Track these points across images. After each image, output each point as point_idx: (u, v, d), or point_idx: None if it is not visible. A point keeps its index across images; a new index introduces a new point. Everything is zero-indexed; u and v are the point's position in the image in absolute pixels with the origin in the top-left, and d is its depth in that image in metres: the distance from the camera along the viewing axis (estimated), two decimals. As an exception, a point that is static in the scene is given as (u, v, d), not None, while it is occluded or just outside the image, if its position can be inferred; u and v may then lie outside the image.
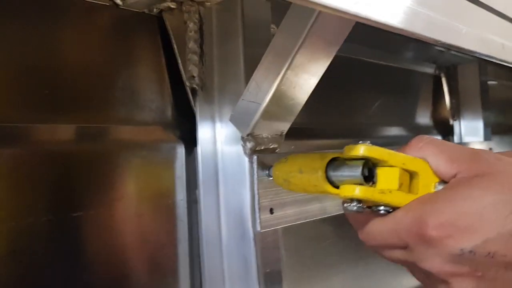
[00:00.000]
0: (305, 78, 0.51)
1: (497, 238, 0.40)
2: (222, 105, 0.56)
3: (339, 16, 0.49)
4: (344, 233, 0.77)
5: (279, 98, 0.51)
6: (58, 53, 0.47)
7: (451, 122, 1.13)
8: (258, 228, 0.52)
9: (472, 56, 1.16)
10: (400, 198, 0.47)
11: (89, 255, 0.48)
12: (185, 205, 0.55)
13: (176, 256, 0.55)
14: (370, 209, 0.46)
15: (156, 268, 0.53)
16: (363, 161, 0.46)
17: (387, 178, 0.46)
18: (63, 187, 0.46)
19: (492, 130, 1.17)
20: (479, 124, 1.14)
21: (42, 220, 0.44)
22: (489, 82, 1.20)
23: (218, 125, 0.56)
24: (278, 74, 0.49)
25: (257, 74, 0.51)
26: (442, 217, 0.42)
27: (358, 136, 0.90)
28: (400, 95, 1.02)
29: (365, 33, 0.90)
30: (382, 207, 0.47)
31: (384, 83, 0.98)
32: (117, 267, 0.50)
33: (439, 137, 1.13)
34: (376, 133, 0.95)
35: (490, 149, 1.09)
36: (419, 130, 1.07)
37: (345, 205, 0.46)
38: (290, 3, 0.57)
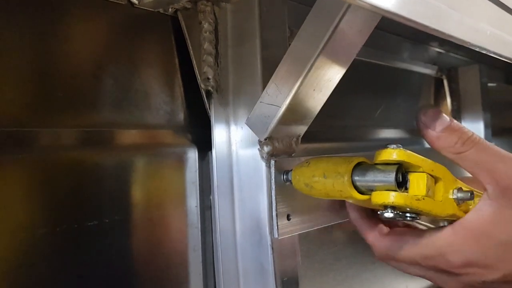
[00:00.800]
0: (324, 80, 0.50)
1: None
2: (237, 108, 0.54)
3: (361, 17, 0.47)
4: (352, 238, 0.76)
5: (298, 101, 0.49)
6: (70, 53, 0.45)
7: (452, 124, 1.13)
8: (276, 235, 0.50)
9: (473, 58, 1.15)
10: (430, 205, 0.46)
11: (101, 264, 0.46)
12: (199, 211, 0.54)
13: (189, 263, 0.53)
14: (397, 215, 0.45)
15: (169, 276, 0.51)
16: (396, 166, 0.44)
17: (417, 184, 0.45)
18: (74, 196, 0.44)
19: (493, 133, 1.17)
20: (480, 126, 1.13)
21: (55, 230, 0.42)
22: (489, 85, 1.20)
23: (233, 128, 0.54)
24: (299, 76, 0.47)
25: (277, 77, 0.49)
26: (464, 257, 0.47)
27: (364, 139, 0.89)
28: (402, 97, 1.02)
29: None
30: (408, 214, 0.46)
31: (387, 84, 0.97)
32: (130, 276, 0.48)
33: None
34: (378, 135, 0.94)
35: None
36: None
37: (380, 212, 0.45)
38: (306, 5, 0.55)
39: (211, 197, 0.55)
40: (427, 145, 1.06)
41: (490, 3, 0.47)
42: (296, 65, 0.47)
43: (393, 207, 0.45)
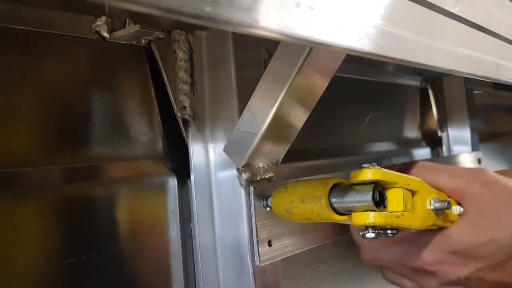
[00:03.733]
0: (301, 105, 0.50)
1: (486, 268, 0.53)
2: (215, 134, 0.54)
3: (325, 56, 0.48)
4: (340, 255, 0.76)
5: (275, 127, 0.49)
6: (42, 91, 0.45)
7: (439, 133, 1.13)
8: (258, 262, 0.50)
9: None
10: (409, 220, 0.46)
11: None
12: (180, 241, 0.53)
13: (172, 294, 0.52)
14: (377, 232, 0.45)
15: (151, 308, 0.51)
16: (372, 185, 0.44)
17: (395, 200, 0.45)
18: (49, 234, 0.43)
19: (479, 138, 1.18)
20: (467, 133, 1.14)
21: (33, 269, 0.41)
22: (475, 92, 1.21)
23: (212, 155, 0.54)
24: (274, 103, 0.47)
25: (252, 104, 0.49)
26: (438, 255, 0.54)
27: (350, 154, 0.89)
28: (387, 110, 1.02)
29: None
30: (389, 231, 0.46)
31: (371, 98, 0.97)
32: (111, 310, 0.48)
33: (427, 149, 1.12)
34: (366, 149, 0.94)
35: (479, 159, 1.09)
36: (408, 144, 1.07)
37: (362, 233, 0.46)
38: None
39: (191, 226, 0.54)
40: (415, 158, 1.07)
41: (461, 24, 0.48)
42: (271, 91, 0.47)
43: (374, 227, 0.45)
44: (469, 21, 0.49)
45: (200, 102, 0.54)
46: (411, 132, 1.08)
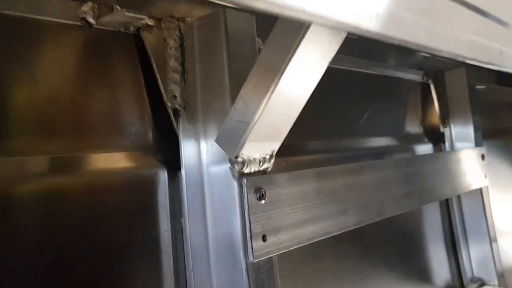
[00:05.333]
0: (295, 94, 0.48)
1: None
2: (207, 125, 0.52)
3: (329, 28, 0.45)
4: (340, 253, 0.74)
5: (268, 116, 0.47)
6: (25, 78, 0.43)
7: (441, 129, 1.11)
8: (251, 258, 0.48)
9: (459, 61, 1.13)
10: None
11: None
12: (170, 236, 0.51)
13: (162, 291, 0.50)
14: None
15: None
16: None
17: None
18: (33, 225, 0.41)
19: (483, 135, 1.15)
20: (470, 130, 1.11)
21: (20, 263, 0.39)
22: (477, 87, 1.18)
23: (204, 146, 0.52)
24: (267, 91, 0.45)
25: (245, 92, 0.47)
26: None
27: (349, 150, 0.86)
28: (388, 104, 1.00)
29: (349, 42, 0.87)
30: None
31: (372, 92, 0.95)
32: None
33: (430, 145, 1.10)
34: (366, 144, 0.92)
35: (482, 155, 1.07)
36: (410, 139, 1.04)
37: None
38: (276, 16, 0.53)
39: (182, 220, 0.52)
40: (417, 152, 1.04)
41: (466, 9, 0.45)
42: (264, 79, 0.45)
43: None
44: (474, 6, 0.47)
45: (191, 92, 0.52)
46: (413, 127, 1.06)
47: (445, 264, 1.02)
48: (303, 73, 0.46)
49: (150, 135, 0.52)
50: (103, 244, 0.45)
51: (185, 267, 0.52)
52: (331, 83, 0.82)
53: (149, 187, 0.51)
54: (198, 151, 0.52)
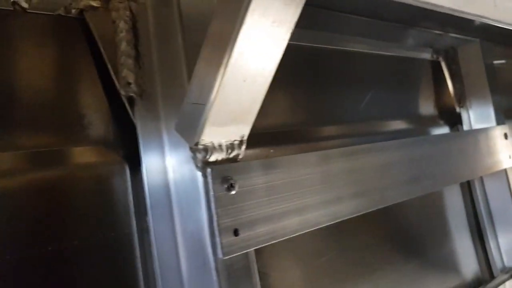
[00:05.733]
0: (256, 68, 0.43)
1: None
2: (168, 113, 0.47)
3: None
4: (344, 246, 0.67)
5: (227, 95, 0.42)
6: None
7: (457, 109, 1.03)
8: (220, 255, 0.43)
9: (473, 37, 1.05)
10: None
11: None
12: (135, 237, 0.47)
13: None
14: None
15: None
16: None
17: None
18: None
19: (505, 116, 1.06)
20: (490, 109, 1.03)
21: None
22: (496, 62, 1.10)
23: (166, 137, 0.47)
24: (219, 66, 0.40)
25: (198, 70, 0.42)
26: None
27: (355, 135, 0.80)
28: (396, 86, 0.93)
29: (350, 22, 0.81)
30: None
31: (377, 74, 0.88)
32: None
33: (446, 128, 1.02)
34: (372, 129, 0.85)
35: (505, 134, 0.98)
36: (423, 122, 0.97)
37: None
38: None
39: (147, 219, 0.47)
40: (433, 132, 0.96)
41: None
42: (214, 55, 0.40)
43: None
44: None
45: (149, 78, 0.48)
46: (426, 109, 0.98)
47: (472, 254, 0.94)
48: (260, 45, 0.41)
49: (107, 128, 0.48)
50: (52, 248, 0.41)
51: (153, 269, 0.47)
52: (328, 64, 0.76)
53: (109, 185, 0.46)
54: (160, 143, 0.47)
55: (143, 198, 0.48)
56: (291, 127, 0.65)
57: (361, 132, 0.82)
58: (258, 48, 0.41)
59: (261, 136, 0.59)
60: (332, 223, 0.54)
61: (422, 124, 0.97)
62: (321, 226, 0.53)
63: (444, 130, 1.01)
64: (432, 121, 0.99)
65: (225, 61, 0.40)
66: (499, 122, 1.02)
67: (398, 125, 0.91)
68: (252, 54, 0.41)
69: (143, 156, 0.47)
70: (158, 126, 0.47)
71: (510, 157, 0.96)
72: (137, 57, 0.47)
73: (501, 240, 0.96)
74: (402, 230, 0.82)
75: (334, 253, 0.66)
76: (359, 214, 0.57)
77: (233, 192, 0.45)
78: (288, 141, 0.65)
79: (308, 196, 0.52)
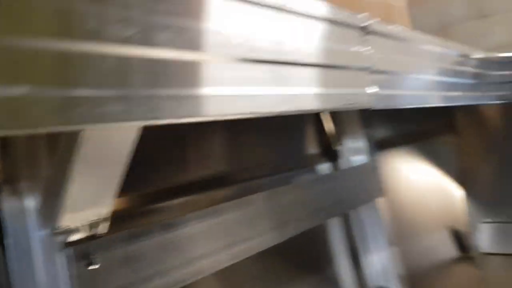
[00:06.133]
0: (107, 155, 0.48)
1: None
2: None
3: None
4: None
5: (81, 185, 0.47)
6: None
7: (337, 147, 1.13)
8: None
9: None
10: None
11: None
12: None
13: None
14: None
15: None
16: None
17: None
18: None
19: (380, 145, 1.19)
20: (362, 143, 1.15)
21: None
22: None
23: (31, 220, 0.51)
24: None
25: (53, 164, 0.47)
26: None
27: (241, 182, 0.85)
28: (279, 133, 1.00)
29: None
30: None
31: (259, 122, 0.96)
32: None
33: (328, 164, 1.11)
34: (264, 172, 0.92)
35: (375, 167, 1.10)
36: (308, 160, 1.06)
37: None
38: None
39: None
40: (318, 169, 1.05)
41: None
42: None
43: None
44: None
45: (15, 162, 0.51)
46: (310, 150, 1.07)
47: (349, 275, 1.05)
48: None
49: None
50: None
51: None
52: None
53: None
54: (23, 222, 0.50)
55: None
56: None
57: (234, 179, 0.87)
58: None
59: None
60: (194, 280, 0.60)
61: (307, 164, 1.05)
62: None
63: (326, 166, 1.10)
64: (317, 160, 1.08)
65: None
66: (372, 153, 1.13)
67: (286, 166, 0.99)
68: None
69: (8, 236, 0.50)
70: (21, 206, 0.50)
71: (379, 188, 1.09)
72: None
73: (374, 260, 1.08)
74: (286, 261, 0.89)
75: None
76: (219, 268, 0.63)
77: (95, 267, 0.50)
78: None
79: (163, 260, 0.58)
